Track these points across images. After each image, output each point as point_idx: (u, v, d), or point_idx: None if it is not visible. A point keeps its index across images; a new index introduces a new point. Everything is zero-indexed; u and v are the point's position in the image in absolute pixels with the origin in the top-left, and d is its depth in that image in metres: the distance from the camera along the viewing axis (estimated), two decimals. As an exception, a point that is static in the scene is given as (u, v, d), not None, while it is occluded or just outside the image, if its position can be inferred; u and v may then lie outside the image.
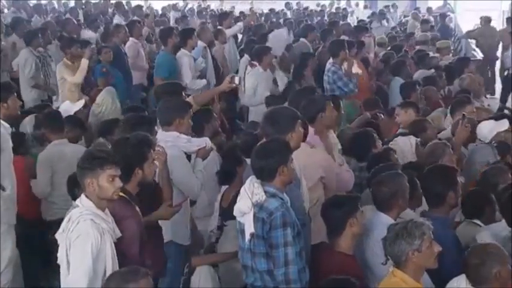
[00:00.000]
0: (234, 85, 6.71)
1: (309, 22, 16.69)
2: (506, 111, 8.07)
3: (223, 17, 13.27)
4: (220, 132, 6.90)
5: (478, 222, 5.14)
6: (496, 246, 4.09)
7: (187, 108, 5.49)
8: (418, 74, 10.37)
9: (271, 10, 20.62)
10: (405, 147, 6.46)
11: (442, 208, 4.81)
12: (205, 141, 5.48)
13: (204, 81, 9.68)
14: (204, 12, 20.11)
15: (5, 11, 17.39)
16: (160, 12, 20.78)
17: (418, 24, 16.81)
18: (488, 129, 6.53)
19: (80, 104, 7.72)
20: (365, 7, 25.10)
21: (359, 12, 23.10)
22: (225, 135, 7.31)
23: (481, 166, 6.06)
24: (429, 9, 22.06)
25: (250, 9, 17.45)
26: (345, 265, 4.39)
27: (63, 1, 21.81)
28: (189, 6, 22.32)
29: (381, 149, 6.26)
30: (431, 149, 6.09)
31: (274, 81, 9.75)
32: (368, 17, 20.29)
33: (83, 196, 4.06)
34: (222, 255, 5.65)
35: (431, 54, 11.99)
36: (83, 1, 18.56)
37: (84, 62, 8.96)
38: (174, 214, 4.94)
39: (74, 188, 5.10)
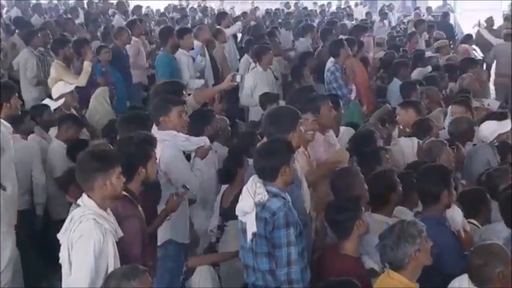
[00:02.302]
0: (235, 83, 6.69)
1: (309, 21, 16.69)
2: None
3: (222, 16, 13.27)
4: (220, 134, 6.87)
5: (475, 222, 5.15)
6: (499, 246, 4.08)
7: (171, 105, 5.36)
8: (417, 73, 10.38)
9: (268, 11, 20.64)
10: (407, 148, 6.46)
11: (437, 207, 4.78)
12: (203, 141, 5.47)
13: (201, 81, 9.66)
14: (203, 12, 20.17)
15: (4, 11, 17.39)
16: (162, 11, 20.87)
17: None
18: (490, 130, 6.51)
19: (60, 102, 7.71)
20: (356, 5, 25.12)
21: (357, 12, 23.11)
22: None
23: (483, 166, 6.06)
24: (428, 9, 22.04)
25: (255, 7, 17.47)
26: (351, 268, 4.38)
27: (63, 1, 21.81)
28: (190, 6, 22.35)
29: (373, 148, 6.22)
30: (428, 147, 6.10)
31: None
32: (367, 13, 20.35)
33: (84, 196, 4.04)
34: (222, 255, 5.65)
35: (430, 53, 12.00)
36: (85, 1, 18.54)
37: (88, 65, 8.92)
38: (179, 204, 4.94)
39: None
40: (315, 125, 5.46)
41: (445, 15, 18.77)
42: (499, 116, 6.71)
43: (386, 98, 9.66)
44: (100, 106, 8.31)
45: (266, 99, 8.08)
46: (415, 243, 4.01)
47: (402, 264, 4.04)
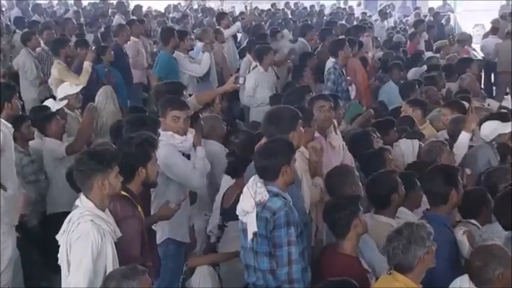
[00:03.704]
0: (238, 85, 6.69)
1: (308, 21, 16.70)
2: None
3: (221, 16, 13.28)
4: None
5: (475, 222, 5.13)
6: (499, 247, 4.09)
7: (169, 108, 5.44)
8: (413, 72, 10.37)
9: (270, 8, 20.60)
10: (407, 150, 6.46)
11: (445, 207, 4.77)
12: (191, 133, 5.50)
13: (196, 65, 9.64)
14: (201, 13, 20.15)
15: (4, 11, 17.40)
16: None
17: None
18: (491, 129, 6.49)
19: (63, 103, 7.72)
20: (358, 4, 25.13)
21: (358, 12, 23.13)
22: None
23: (483, 166, 6.05)
24: (430, 10, 22.02)
25: (255, 8, 17.43)
26: (349, 267, 4.37)
27: (63, 1, 21.82)
28: (189, 6, 22.32)
29: (376, 149, 6.21)
30: (428, 147, 6.10)
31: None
32: (362, 13, 20.37)
33: (82, 197, 4.05)
34: (222, 255, 5.65)
35: (430, 53, 12.01)
36: (86, 2, 18.55)
37: (88, 64, 8.92)
38: (174, 213, 4.94)
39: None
40: (331, 112, 5.56)
41: (436, 15, 18.90)
42: (501, 117, 6.71)
43: (377, 99, 9.71)
44: (112, 106, 8.24)
45: (275, 100, 8.08)
46: (425, 245, 4.00)
47: (411, 267, 4.02)
